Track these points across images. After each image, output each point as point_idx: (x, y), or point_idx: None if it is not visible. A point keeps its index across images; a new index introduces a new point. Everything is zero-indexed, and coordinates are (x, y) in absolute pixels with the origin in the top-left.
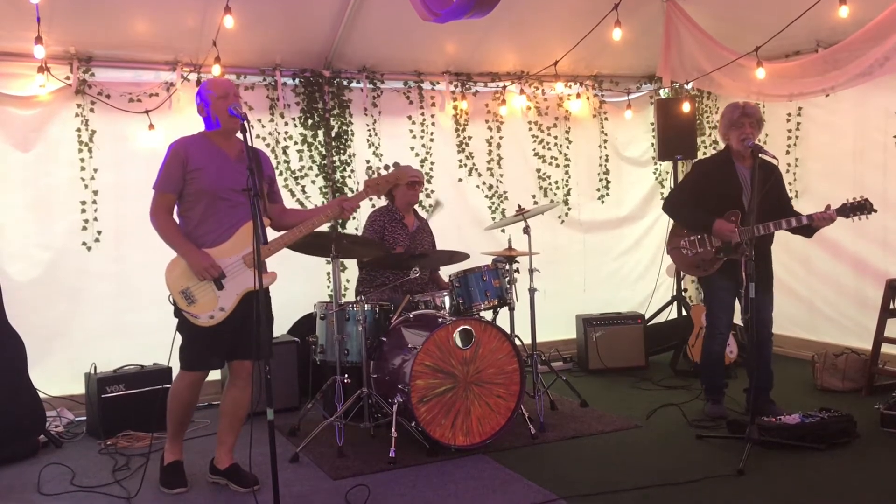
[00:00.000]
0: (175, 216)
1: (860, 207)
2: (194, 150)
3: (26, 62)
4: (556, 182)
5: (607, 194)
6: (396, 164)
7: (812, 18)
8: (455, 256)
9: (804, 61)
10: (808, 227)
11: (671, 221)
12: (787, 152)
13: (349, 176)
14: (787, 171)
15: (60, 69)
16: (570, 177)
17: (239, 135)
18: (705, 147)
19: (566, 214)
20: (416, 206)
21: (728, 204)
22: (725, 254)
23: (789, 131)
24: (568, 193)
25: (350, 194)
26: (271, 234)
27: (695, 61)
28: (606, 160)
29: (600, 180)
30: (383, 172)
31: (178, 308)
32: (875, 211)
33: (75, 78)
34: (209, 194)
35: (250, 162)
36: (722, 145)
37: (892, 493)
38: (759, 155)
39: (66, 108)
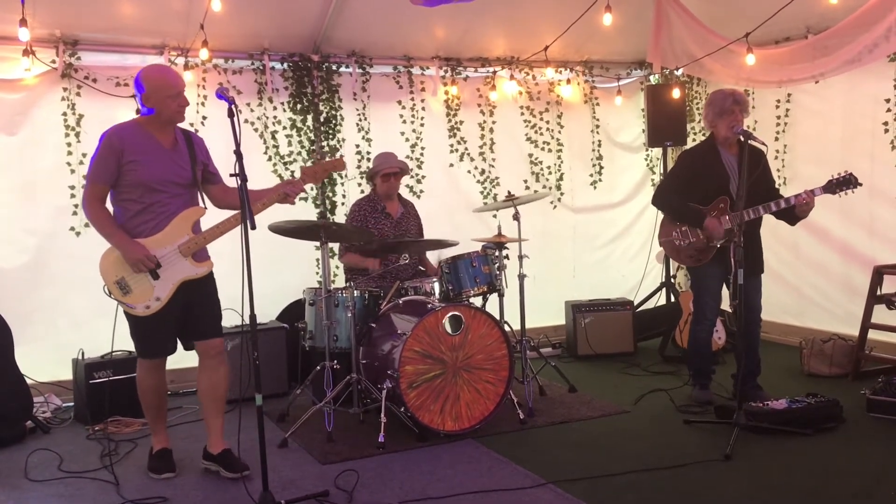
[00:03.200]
0: (109, 205)
1: (846, 182)
2: (130, 140)
3: (11, 45)
4: (549, 167)
5: (600, 180)
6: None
7: (802, 5)
8: (443, 244)
9: (794, 48)
10: (791, 214)
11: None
12: (777, 139)
13: None
14: (776, 157)
15: (46, 52)
16: (562, 162)
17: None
18: (695, 133)
19: (559, 200)
20: (400, 192)
21: (716, 192)
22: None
23: (778, 118)
24: (560, 179)
25: (338, 181)
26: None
27: (685, 47)
28: (599, 145)
29: (593, 166)
30: (406, 159)
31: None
32: (861, 185)
33: (61, 61)
34: (145, 186)
35: (238, 148)
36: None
37: (877, 477)
38: (749, 141)
39: (53, 92)
